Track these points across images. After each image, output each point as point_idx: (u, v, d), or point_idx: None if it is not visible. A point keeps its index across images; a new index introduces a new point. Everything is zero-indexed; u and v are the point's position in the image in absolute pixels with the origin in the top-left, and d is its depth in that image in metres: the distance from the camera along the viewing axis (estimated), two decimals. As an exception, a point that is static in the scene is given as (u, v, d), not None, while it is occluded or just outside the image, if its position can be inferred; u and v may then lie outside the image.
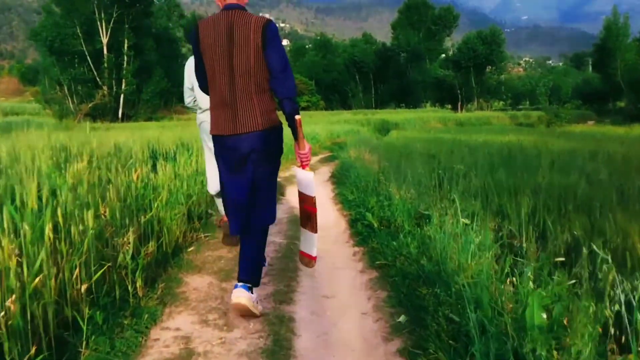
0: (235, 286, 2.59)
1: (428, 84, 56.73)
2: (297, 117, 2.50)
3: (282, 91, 2.51)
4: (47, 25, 32.50)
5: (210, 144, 3.21)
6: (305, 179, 2.67)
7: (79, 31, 32.08)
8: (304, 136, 2.58)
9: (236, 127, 2.51)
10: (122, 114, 33.74)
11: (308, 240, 2.75)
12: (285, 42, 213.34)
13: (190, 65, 3.62)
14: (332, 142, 15.33)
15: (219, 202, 3.91)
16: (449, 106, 58.17)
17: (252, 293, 2.60)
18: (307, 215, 2.72)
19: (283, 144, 2.69)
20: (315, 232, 2.67)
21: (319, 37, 69.23)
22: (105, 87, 33.13)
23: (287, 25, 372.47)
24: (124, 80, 33.75)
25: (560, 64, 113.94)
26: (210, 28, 2.49)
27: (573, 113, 29.53)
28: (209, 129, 2.68)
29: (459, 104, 55.36)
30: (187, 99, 3.82)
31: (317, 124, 20.18)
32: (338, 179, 7.49)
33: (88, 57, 32.63)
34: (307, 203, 2.70)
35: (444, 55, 63.34)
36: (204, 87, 2.68)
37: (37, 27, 34.16)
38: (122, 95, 33.87)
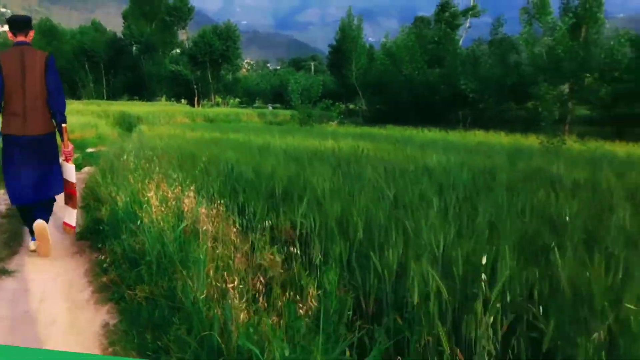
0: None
1: (163, 77, 54.39)
2: (64, 125, 3.72)
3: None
4: None
5: None
6: (68, 169, 3.89)
7: None
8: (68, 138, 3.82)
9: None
10: None
11: (70, 214, 4.03)
12: (5, 28, 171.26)
13: None
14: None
15: None
16: (185, 101, 57.00)
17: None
18: (70, 196, 3.96)
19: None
20: (75, 208, 4.04)
21: (45, 22, 58.76)
22: None
23: (8, 11, 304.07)
24: None
25: (279, 67, 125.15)
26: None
27: (318, 114, 31.70)
28: None
29: (196, 99, 54.66)
30: None
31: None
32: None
33: None
34: (69, 187, 3.92)
35: (178, 49, 61.42)
36: None
37: None
38: None
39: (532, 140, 13.16)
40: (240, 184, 4.45)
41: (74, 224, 4.06)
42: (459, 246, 2.39)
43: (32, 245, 3.96)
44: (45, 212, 3.80)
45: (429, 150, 8.00)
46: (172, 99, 59.01)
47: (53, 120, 3.76)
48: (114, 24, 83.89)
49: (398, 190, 3.91)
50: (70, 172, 3.89)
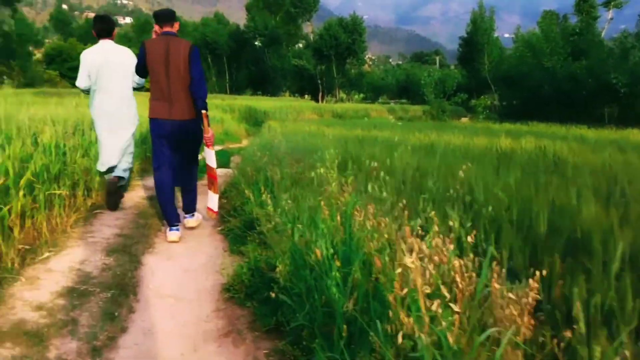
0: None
1: (287, 71, 53.55)
2: (203, 111, 3.74)
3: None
4: None
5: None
6: (210, 155, 3.99)
7: None
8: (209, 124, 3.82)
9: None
10: None
11: (212, 198, 4.16)
12: (128, 19, 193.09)
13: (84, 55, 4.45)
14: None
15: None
16: (308, 96, 55.91)
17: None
18: (211, 181, 4.11)
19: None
20: (217, 193, 4.17)
21: None
22: None
23: (131, 3, 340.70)
24: None
25: (400, 62, 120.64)
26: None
27: (451, 109, 28.43)
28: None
29: (320, 94, 53.03)
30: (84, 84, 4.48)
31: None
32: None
33: None
34: (211, 172, 4.07)
35: (300, 44, 60.61)
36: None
37: None
38: None
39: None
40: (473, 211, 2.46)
41: (216, 209, 4.13)
42: None
43: (170, 235, 3.91)
44: (190, 197, 4.11)
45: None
46: (296, 94, 58.33)
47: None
48: (237, 17, 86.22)
49: None
50: (211, 157, 3.94)
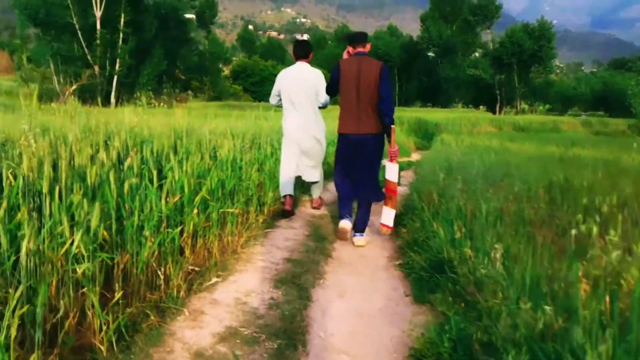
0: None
1: (461, 81, 51.11)
2: (392, 126, 3.86)
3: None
4: (31, -9, 27.58)
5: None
6: (392, 169, 3.99)
7: (69, 1, 27.24)
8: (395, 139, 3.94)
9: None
10: (116, 98, 28.81)
11: (388, 214, 4.04)
12: (305, 36, 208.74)
13: (280, 75, 4.87)
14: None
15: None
16: (484, 107, 52.52)
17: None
18: (389, 196, 4.02)
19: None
20: (395, 209, 4.05)
21: (341, 28, 64.68)
22: (96, 67, 28.33)
23: (308, 21, 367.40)
24: (118, 60, 28.89)
25: (595, 70, 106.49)
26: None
27: None
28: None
29: (498, 105, 49.28)
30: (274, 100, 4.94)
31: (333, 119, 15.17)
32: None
33: (79, 32, 27.83)
34: (390, 187, 4.01)
35: (476, 53, 57.33)
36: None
37: (19, -7, 29.09)
38: (115, 77, 29.03)
39: None
40: None
41: (391, 225, 4.05)
42: None
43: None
44: (365, 212, 4.11)
45: None
46: (469, 105, 55.44)
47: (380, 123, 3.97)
48: (410, 29, 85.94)
49: None
50: (393, 172, 3.97)
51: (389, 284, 3.34)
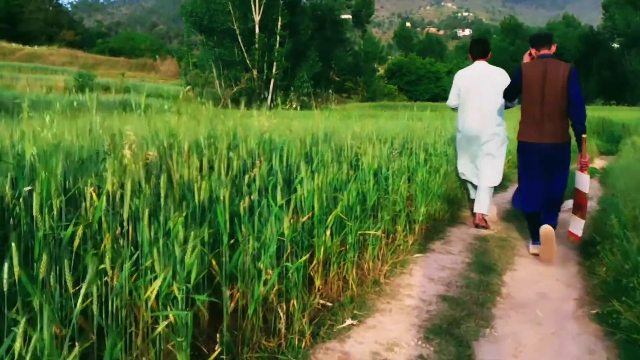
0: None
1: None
2: (584, 135, 3.58)
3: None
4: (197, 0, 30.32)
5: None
6: (583, 179, 3.72)
7: (230, 6, 29.33)
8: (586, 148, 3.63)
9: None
10: (271, 100, 30.37)
11: (577, 224, 3.79)
12: (467, 31, 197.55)
13: (458, 75, 4.74)
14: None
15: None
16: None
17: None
18: (579, 206, 3.78)
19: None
20: (584, 219, 3.75)
21: (508, 20, 60.05)
22: (254, 71, 30.18)
23: (471, 15, 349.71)
24: (275, 63, 30.33)
25: None
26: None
27: None
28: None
29: None
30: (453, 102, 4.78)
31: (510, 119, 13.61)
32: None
33: (239, 37, 29.86)
34: (580, 197, 3.74)
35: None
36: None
37: (187, 1, 32.12)
38: (272, 80, 30.59)
39: None
40: None
41: (580, 234, 3.79)
42: None
43: (532, 248, 3.91)
44: (552, 219, 3.77)
45: None
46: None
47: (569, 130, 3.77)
48: (589, 18, 76.42)
49: None
50: (583, 182, 3.75)
51: (582, 343, 2.44)
